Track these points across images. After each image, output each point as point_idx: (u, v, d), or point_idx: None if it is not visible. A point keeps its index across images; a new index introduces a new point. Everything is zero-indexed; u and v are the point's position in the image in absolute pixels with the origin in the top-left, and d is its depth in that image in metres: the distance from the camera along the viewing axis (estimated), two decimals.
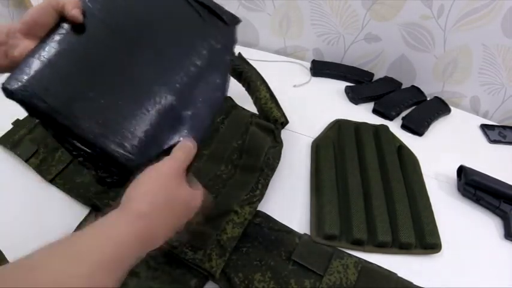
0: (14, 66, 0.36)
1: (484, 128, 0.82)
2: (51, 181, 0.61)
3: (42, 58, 0.35)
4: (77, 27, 0.38)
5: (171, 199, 0.33)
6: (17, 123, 0.69)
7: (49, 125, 0.36)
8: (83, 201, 0.58)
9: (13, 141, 0.65)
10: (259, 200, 0.57)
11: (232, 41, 0.49)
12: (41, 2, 0.38)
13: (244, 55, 0.78)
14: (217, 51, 0.46)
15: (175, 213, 0.33)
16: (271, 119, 0.70)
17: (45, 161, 0.63)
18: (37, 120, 0.66)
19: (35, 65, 0.35)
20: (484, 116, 0.91)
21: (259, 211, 0.57)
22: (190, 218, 0.36)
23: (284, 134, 0.70)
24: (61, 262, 0.24)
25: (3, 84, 0.34)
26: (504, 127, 0.83)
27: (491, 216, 0.63)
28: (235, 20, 0.51)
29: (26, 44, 0.37)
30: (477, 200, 0.63)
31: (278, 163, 0.64)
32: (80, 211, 0.57)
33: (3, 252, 0.44)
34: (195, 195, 0.36)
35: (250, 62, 0.77)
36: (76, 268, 0.24)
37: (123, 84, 0.38)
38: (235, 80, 0.76)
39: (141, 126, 0.37)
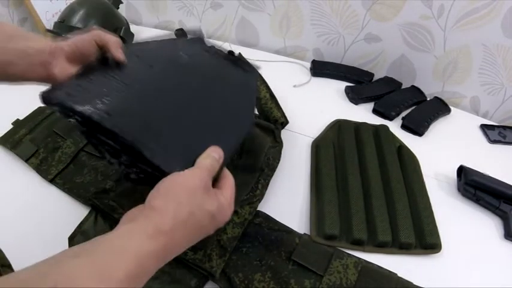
0: (49, 80, 0.41)
1: (484, 128, 0.82)
2: (51, 181, 0.61)
3: (104, 90, 0.40)
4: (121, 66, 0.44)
5: (195, 212, 0.31)
6: (17, 123, 0.69)
7: (85, 125, 0.38)
8: (83, 201, 0.58)
9: (13, 141, 0.65)
10: (259, 200, 0.57)
11: (255, 86, 0.58)
12: (84, 35, 0.43)
13: (244, 55, 0.78)
14: (246, 91, 0.52)
15: (199, 227, 0.32)
16: (271, 119, 0.70)
17: (45, 161, 0.63)
18: (39, 121, 0.67)
19: (96, 92, 0.39)
20: (484, 116, 0.91)
21: (259, 211, 0.57)
22: (214, 231, 0.35)
23: (284, 134, 0.70)
24: (89, 281, 0.24)
25: (71, 105, 0.37)
26: (504, 127, 0.83)
27: (491, 216, 0.63)
28: (254, 68, 0.59)
29: (65, 66, 0.42)
30: (477, 200, 0.63)
31: (278, 163, 0.64)
32: (80, 211, 0.57)
33: (4, 251, 0.44)
34: (223, 208, 0.34)
35: (250, 62, 0.77)
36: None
37: (174, 115, 0.41)
38: None
39: (185, 137, 0.39)
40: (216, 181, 0.37)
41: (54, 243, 0.52)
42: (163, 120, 0.40)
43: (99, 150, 0.42)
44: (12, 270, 0.43)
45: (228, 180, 0.37)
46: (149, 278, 0.28)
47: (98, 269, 0.25)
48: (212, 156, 0.36)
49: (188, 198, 0.31)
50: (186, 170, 0.34)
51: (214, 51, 0.55)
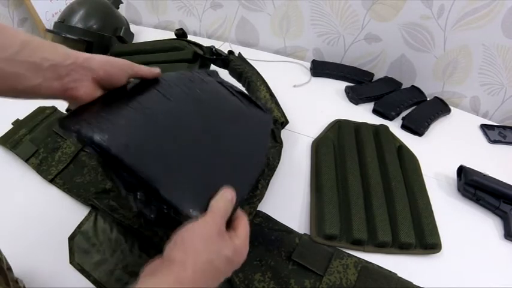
0: (66, 97, 0.38)
1: (484, 128, 0.82)
2: (51, 181, 0.61)
3: (125, 119, 0.39)
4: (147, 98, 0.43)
5: (213, 259, 0.32)
6: (17, 123, 0.69)
7: (103, 156, 0.37)
8: (83, 201, 0.58)
9: (13, 141, 0.65)
10: (259, 200, 0.57)
11: (270, 125, 0.56)
12: (119, 63, 0.41)
13: (244, 55, 0.78)
14: (260, 130, 0.52)
15: (218, 271, 0.33)
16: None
17: (45, 161, 0.63)
18: (39, 121, 0.67)
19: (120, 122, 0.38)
20: (484, 116, 0.91)
21: (259, 211, 0.57)
22: (229, 275, 0.35)
23: (284, 134, 0.70)
24: None
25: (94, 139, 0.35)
26: (504, 127, 0.83)
27: (491, 216, 0.63)
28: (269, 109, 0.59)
29: (91, 88, 0.39)
30: (477, 200, 0.63)
31: (278, 163, 0.64)
32: (80, 211, 0.57)
33: (4, 252, 0.44)
34: (238, 250, 0.35)
35: (250, 62, 0.77)
36: None
37: (192, 149, 0.41)
38: (235, 80, 0.76)
39: (201, 176, 0.39)
40: (230, 221, 0.37)
41: (54, 243, 0.52)
42: (180, 157, 0.39)
43: (114, 183, 0.41)
44: (11, 272, 0.43)
45: (242, 220, 0.37)
46: None
47: None
48: (225, 198, 0.36)
49: (205, 247, 0.32)
50: (200, 218, 0.34)
51: (230, 86, 0.54)
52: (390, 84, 0.90)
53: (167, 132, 0.41)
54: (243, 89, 0.75)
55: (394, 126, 0.78)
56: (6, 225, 0.55)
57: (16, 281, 0.43)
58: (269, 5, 0.96)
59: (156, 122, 0.41)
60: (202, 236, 0.32)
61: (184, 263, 0.30)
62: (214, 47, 0.78)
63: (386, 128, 0.74)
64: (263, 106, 0.56)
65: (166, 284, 0.29)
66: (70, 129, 0.36)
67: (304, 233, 0.56)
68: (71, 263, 0.50)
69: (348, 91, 0.87)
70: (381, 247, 0.55)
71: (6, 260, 0.42)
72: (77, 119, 0.37)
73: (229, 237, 0.34)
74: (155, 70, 0.45)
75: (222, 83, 0.54)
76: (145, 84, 0.45)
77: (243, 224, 0.37)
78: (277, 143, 0.66)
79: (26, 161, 0.63)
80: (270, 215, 0.58)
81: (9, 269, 0.43)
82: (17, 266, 0.45)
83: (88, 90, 0.39)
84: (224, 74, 0.77)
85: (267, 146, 0.53)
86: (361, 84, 0.90)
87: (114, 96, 0.41)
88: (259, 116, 0.54)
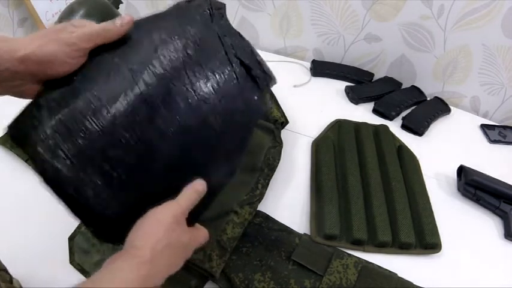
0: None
1: (484, 128, 0.82)
2: None
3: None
4: None
5: (172, 244, 0.33)
6: None
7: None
8: None
9: None
10: (259, 200, 0.57)
11: (261, 106, 0.45)
12: (62, 41, 0.34)
13: None
14: (240, 115, 0.41)
15: (176, 256, 0.35)
16: (271, 119, 0.69)
17: None
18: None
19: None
20: (484, 116, 0.91)
21: (259, 211, 0.57)
22: (189, 256, 0.37)
23: (284, 134, 0.70)
24: None
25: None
26: (504, 127, 0.83)
27: (491, 216, 0.63)
28: (269, 81, 0.45)
29: (36, 89, 0.35)
30: (477, 200, 0.63)
31: (278, 163, 0.64)
32: None
33: (2, 251, 0.44)
34: (195, 237, 0.38)
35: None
36: None
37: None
38: None
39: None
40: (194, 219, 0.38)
41: (54, 243, 0.52)
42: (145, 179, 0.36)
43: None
44: (7, 273, 0.43)
45: (201, 232, 0.40)
46: None
47: None
48: (191, 190, 0.37)
49: (166, 234, 0.33)
50: (163, 206, 0.35)
51: (231, 46, 0.40)
52: (390, 84, 0.90)
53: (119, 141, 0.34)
54: None
55: (394, 126, 0.78)
56: (6, 225, 0.55)
57: (10, 281, 0.43)
58: (269, 5, 0.96)
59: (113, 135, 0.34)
60: (161, 226, 0.33)
61: (143, 248, 0.31)
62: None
63: (386, 128, 0.74)
64: (263, 81, 0.43)
65: (126, 267, 0.30)
66: (15, 141, 0.34)
67: (304, 233, 0.56)
68: (71, 263, 0.50)
69: (348, 91, 0.87)
70: (381, 247, 0.55)
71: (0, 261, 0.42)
72: (19, 125, 0.35)
73: (187, 229, 0.36)
74: (123, 23, 0.36)
75: (222, 39, 0.40)
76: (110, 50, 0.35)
77: (203, 231, 0.40)
78: (277, 143, 0.66)
79: (26, 161, 0.63)
80: (270, 215, 0.58)
81: (3, 269, 0.42)
82: (17, 266, 0.45)
83: (35, 91, 0.35)
84: None
85: (251, 131, 0.44)
86: (361, 84, 0.90)
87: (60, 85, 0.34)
88: (249, 98, 0.41)
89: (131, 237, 0.33)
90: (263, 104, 0.46)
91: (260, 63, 0.42)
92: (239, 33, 0.42)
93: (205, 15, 0.40)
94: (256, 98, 0.42)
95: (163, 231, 0.33)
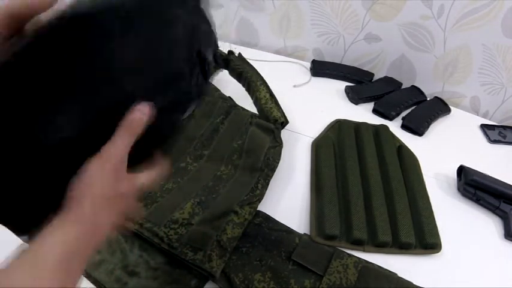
0: None
1: (484, 128, 0.82)
2: None
3: None
4: None
5: (111, 195, 0.32)
6: None
7: None
8: None
9: None
10: (259, 200, 0.57)
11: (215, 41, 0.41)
12: None
13: (244, 55, 0.78)
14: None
15: (116, 207, 0.33)
16: (271, 119, 0.69)
17: None
18: None
19: None
20: (484, 116, 0.91)
21: (259, 211, 0.57)
22: (133, 206, 0.35)
23: (284, 134, 0.70)
24: (22, 278, 0.26)
25: None
26: (504, 127, 0.83)
27: (491, 216, 0.63)
28: (214, 71, 0.42)
29: None
30: (477, 200, 0.63)
31: (278, 163, 0.64)
32: None
33: (2, 251, 0.44)
34: (133, 183, 0.34)
35: (250, 62, 0.77)
36: (38, 279, 0.26)
37: None
38: (235, 80, 0.76)
39: None
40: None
41: None
42: None
43: None
44: None
45: (142, 175, 0.35)
46: (86, 259, 0.30)
47: (29, 265, 0.27)
48: (128, 127, 0.32)
49: (103, 184, 0.31)
50: (101, 151, 0.31)
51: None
52: (390, 84, 0.90)
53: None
54: (243, 89, 0.75)
55: (394, 126, 0.78)
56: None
57: None
58: (269, 5, 0.96)
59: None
60: (96, 173, 0.31)
61: (83, 203, 0.30)
62: None
63: (386, 128, 0.74)
64: (210, 73, 0.40)
65: (67, 222, 0.29)
66: None
67: (304, 233, 0.56)
68: None
69: (348, 91, 0.87)
70: (381, 247, 0.55)
71: None
72: None
73: (125, 176, 0.33)
74: None
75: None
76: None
77: (145, 174, 0.35)
78: (277, 143, 0.66)
79: None
80: (270, 215, 0.58)
81: None
82: None
83: None
84: (224, 74, 0.77)
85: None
86: (361, 84, 0.90)
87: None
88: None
89: (70, 192, 0.30)
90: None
91: (216, 53, 0.42)
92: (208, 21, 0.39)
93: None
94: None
95: (100, 183, 0.31)
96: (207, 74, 0.40)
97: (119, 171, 0.32)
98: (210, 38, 0.41)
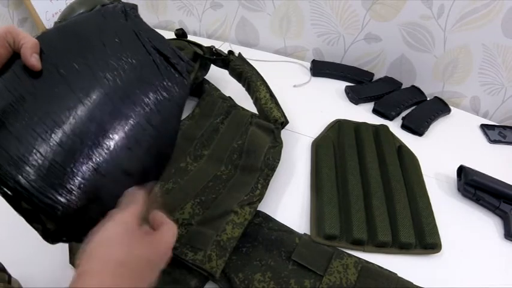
0: None
1: (484, 128, 0.82)
2: None
3: None
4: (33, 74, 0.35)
5: (125, 260, 0.28)
6: None
7: None
8: None
9: None
10: (259, 200, 0.57)
11: (186, 93, 0.45)
12: None
13: (244, 55, 0.78)
14: (168, 104, 0.41)
15: (135, 273, 0.29)
16: (271, 119, 0.69)
17: None
18: None
19: None
20: (484, 116, 0.91)
21: (259, 211, 0.57)
22: (162, 267, 0.32)
23: (284, 134, 0.70)
24: None
25: None
26: (504, 127, 0.83)
27: (491, 216, 0.63)
28: (189, 68, 0.47)
29: None
30: (477, 200, 0.63)
31: (278, 163, 0.64)
32: None
33: (2, 251, 0.44)
34: (158, 244, 0.32)
35: (250, 62, 0.77)
36: None
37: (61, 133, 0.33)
38: (235, 80, 0.76)
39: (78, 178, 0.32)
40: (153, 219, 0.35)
41: (53, 245, 0.52)
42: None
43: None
44: (6, 273, 0.43)
45: (167, 224, 0.34)
46: None
47: None
48: (135, 193, 0.33)
49: (112, 249, 0.28)
50: (106, 218, 0.31)
51: (148, 39, 0.43)
52: (390, 84, 0.90)
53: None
54: (243, 89, 0.75)
55: (394, 126, 0.78)
56: (6, 224, 0.55)
57: (9, 281, 0.43)
58: (269, 5, 0.96)
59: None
60: (108, 239, 0.29)
61: (90, 272, 0.27)
62: (214, 47, 0.78)
63: (386, 128, 0.74)
64: (184, 68, 0.45)
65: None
66: None
67: (304, 233, 0.56)
68: (71, 263, 0.50)
69: (348, 91, 0.87)
70: (381, 247, 0.55)
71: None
72: None
73: (145, 234, 0.31)
74: (35, 49, 0.34)
75: (139, 34, 0.43)
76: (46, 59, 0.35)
77: (166, 227, 0.34)
78: (277, 143, 0.66)
79: None
80: (270, 215, 0.58)
81: (2, 269, 0.42)
82: (17, 266, 0.45)
83: None
84: (224, 74, 0.77)
85: (179, 116, 0.43)
86: (361, 84, 0.90)
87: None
88: (171, 85, 0.42)
89: (79, 258, 0.28)
90: (186, 90, 0.45)
91: (175, 51, 0.45)
92: (153, 29, 0.46)
93: (121, 14, 0.44)
94: (177, 86, 0.43)
95: (112, 247, 0.28)
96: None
97: (133, 233, 0.30)
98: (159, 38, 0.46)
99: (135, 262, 0.29)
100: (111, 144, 0.34)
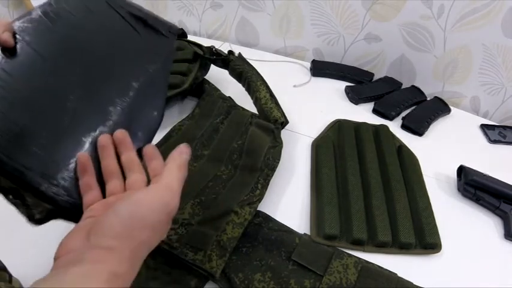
0: None
1: (484, 128, 0.82)
2: None
3: None
4: (8, 53, 0.35)
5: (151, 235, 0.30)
6: None
7: None
8: None
9: None
10: (259, 200, 0.57)
11: (171, 53, 0.46)
12: None
13: (244, 55, 0.78)
14: (154, 73, 0.43)
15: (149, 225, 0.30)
16: (271, 119, 0.69)
17: None
18: None
19: None
20: (484, 116, 0.91)
21: (259, 211, 0.57)
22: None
23: (284, 134, 0.70)
24: None
25: None
26: (504, 127, 0.83)
27: (491, 216, 0.63)
28: (174, 30, 0.48)
29: None
30: (477, 200, 0.63)
31: (278, 163, 0.64)
32: None
33: (2, 251, 0.44)
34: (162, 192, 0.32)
35: (250, 62, 0.77)
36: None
37: (57, 118, 0.36)
38: (235, 80, 0.76)
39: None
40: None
41: (54, 243, 0.52)
42: (52, 135, 0.34)
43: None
44: (6, 272, 0.43)
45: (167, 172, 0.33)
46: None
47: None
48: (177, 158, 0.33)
49: (150, 232, 0.29)
50: (147, 190, 0.31)
51: (121, 7, 0.44)
52: (390, 84, 0.90)
53: (41, 107, 0.35)
54: (243, 89, 0.75)
55: (394, 126, 0.78)
56: (6, 224, 0.55)
57: (10, 280, 0.43)
58: (269, 5, 0.96)
59: (23, 93, 0.34)
60: (146, 220, 0.29)
61: (122, 253, 0.28)
62: (214, 47, 0.78)
63: (386, 128, 0.74)
64: (164, 28, 0.46)
65: (99, 275, 0.26)
66: None
67: (304, 233, 0.56)
68: None
69: (348, 91, 0.87)
70: (381, 247, 0.55)
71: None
72: None
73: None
74: (6, 27, 0.35)
75: (112, 4, 0.44)
76: (20, 39, 0.36)
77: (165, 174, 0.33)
78: (277, 143, 0.66)
79: None
80: (270, 215, 0.58)
81: (2, 268, 0.42)
82: (17, 266, 0.45)
83: None
84: (224, 74, 0.77)
85: (167, 83, 0.44)
86: (361, 84, 0.90)
87: None
88: (154, 44, 0.44)
89: (104, 234, 0.28)
90: (170, 47, 0.46)
91: (156, 17, 0.47)
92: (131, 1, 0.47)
93: None
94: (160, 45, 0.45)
95: (149, 228, 0.29)
96: None
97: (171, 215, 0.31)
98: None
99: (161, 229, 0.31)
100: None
